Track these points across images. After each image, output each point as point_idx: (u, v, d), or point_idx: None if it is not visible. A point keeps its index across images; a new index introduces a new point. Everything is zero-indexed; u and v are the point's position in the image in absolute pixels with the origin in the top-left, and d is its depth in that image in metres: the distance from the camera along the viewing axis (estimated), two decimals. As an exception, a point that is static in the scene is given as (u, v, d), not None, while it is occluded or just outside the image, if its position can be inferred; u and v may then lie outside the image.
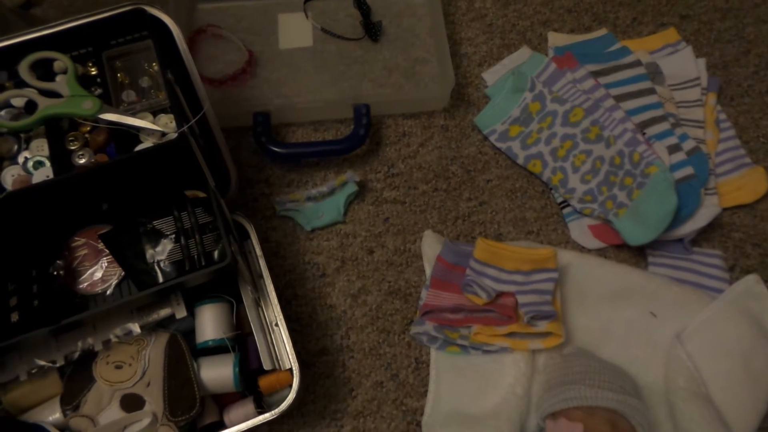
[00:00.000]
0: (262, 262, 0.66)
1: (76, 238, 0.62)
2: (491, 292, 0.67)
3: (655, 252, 0.75)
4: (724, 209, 0.77)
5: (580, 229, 0.77)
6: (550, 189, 0.80)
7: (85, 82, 0.60)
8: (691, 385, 0.64)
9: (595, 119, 0.79)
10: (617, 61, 0.85)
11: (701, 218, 0.74)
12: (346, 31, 0.89)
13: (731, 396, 0.64)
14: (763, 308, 0.69)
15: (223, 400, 0.62)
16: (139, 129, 0.58)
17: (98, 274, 0.61)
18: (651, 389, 0.66)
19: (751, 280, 0.71)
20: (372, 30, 0.89)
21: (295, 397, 0.59)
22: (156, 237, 0.60)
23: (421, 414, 0.67)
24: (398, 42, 0.89)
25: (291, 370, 0.61)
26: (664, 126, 0.78)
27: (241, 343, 0.63)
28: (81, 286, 0.61)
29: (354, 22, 0.90)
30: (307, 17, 0.90)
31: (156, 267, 0.59)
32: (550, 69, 0.85)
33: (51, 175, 0.57)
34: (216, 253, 0.60)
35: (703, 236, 0.76)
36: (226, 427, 0.58)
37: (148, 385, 0.58)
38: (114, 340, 0.59)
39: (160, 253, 0.60)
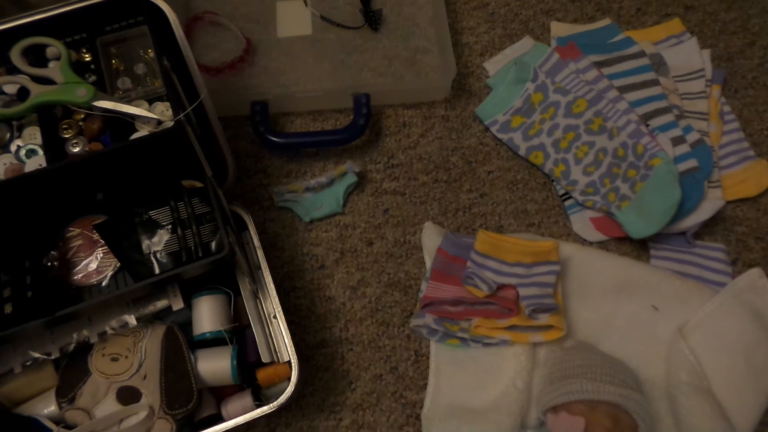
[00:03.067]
0: (260, 254, 0.65)
1: (71, 229, 0.61)
2: (492, 285, 0.67)
3: (657, 245, 0.74)
4: (728, 202, 0.76)
5: (582, 222, 0.76)
6: (552, 181, 0.79)
7: (78, 68, 0.58)
8: (692, 379, 0.64)
9: (598, 110, 0.78)
10: (621, 51, 0.83)
11: (704, 211, 0.73)
12: (346, 20, 0.88)
13: (733, 390, 0.64)
14: (765, 302, 0.69)
15: (221, 393, 0.61)
16: (134, 117, 0.57)
17: (93, 265, 0.60)
18: (653, 383, 0.66)
19: (754, 274, 0.70)
20: (372, 18, 0.87)
21: (294, 389, 0.58)
22: (152, 227, 0.59)
23: (421, 407, 0.67)
24: (399, 31, 0.88)
25: (289, 362, 0.60)
26: (668, 118, 0.77)
27: (238, 335, 0.62)
28: (76, 278, 0.60)
29: (354, 10, 0.89)
30: (306, 5, 0.88)
31: (152, 258, 0.58)
32: (553, 59, 0.84)
33: (44, 164, 0.56)
34: (213, 244, 0.59)
35: (706, 229, 0.75)
36: (223, 420, 0.57)
37: (145, 377, 0.58)
38: (110, 332, 0.58)
39: (157, 243, 0.59)
